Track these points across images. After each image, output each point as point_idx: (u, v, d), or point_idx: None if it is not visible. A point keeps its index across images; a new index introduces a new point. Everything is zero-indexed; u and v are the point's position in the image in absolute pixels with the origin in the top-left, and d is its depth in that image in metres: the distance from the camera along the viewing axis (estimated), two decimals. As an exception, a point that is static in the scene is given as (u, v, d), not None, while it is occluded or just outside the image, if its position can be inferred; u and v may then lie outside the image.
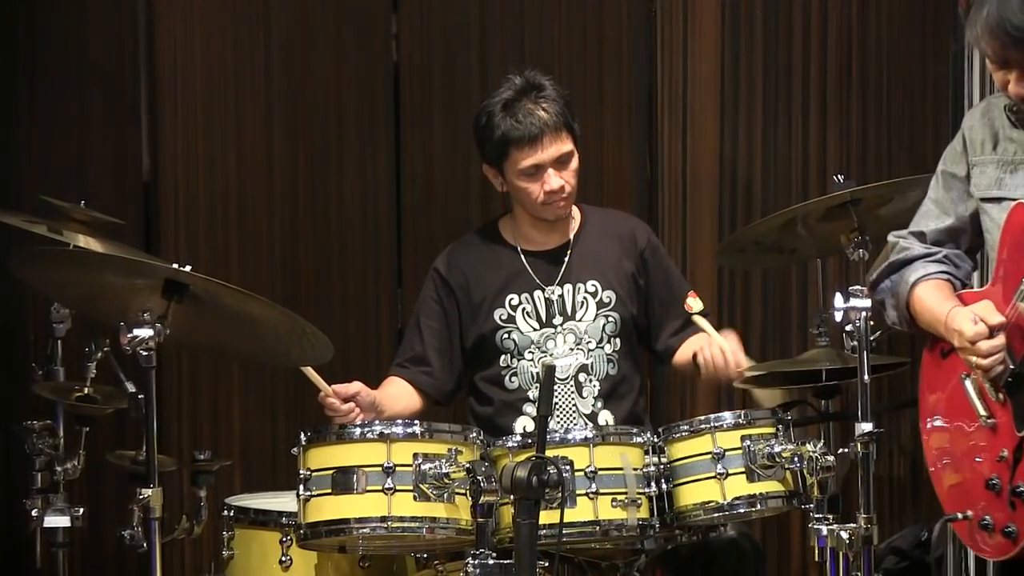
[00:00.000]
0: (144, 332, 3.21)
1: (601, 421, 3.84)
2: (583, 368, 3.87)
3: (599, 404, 3.87)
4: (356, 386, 3.70)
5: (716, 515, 3.41)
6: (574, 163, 3.87)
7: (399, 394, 3.90)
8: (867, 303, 3.31)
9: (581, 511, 3.34)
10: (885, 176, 4.49)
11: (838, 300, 3.34)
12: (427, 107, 5.00)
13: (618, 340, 3.89)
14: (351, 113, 5.00)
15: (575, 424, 3.81)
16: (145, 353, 3.21)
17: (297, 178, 5.00)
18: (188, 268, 3.32)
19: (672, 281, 4.01)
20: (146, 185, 4.98)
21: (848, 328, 3.33)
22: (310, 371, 3.62)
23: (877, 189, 3.77)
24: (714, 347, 3.70)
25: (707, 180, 4.94)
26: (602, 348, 3.88)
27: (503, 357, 3.89)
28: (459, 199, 4.97)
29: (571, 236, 3.97)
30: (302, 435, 3.41)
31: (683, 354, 3.89)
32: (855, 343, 3.32)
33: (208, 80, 4.97)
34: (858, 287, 3.34)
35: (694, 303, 3.83)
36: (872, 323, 3.33)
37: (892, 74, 4.97)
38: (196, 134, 4.96)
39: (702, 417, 3.45)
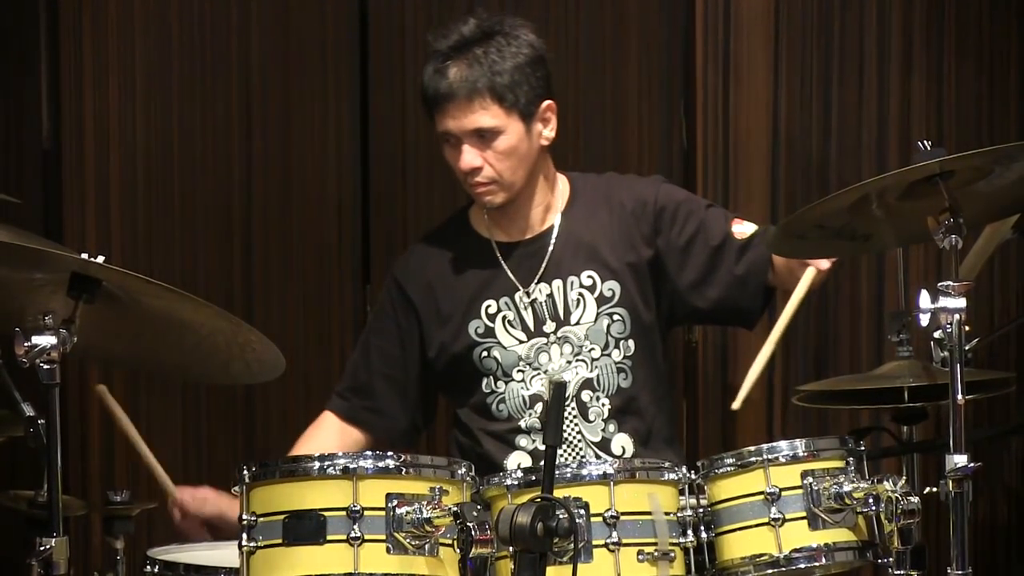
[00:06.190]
0: (45, 340, 3.21)
1: (616, 449, 3.87)
2: (586, 384, 3.89)
3: (611, 427, 3.89)
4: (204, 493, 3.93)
5: (770, 571, 3.42)
6: (503, 143, 3.84)
7: (322, 447, 3.90)
8: (961, 303, 3.31)
9: (599, 567, 3.34)
10: (984, 143, 4.48)
11: (924, 299, 3.34)
12: (401, 60, 5.00)
13: (630, 343, 3.91)
14: (307, 65, 5.00)
15: (587, 456, 3.84)
16: (47, 367, 3.21)
17: (238, 147, 4.99)
18: (101, 259, 3.31)
19: (714, 222, 3.96)
20: (46, 153, 4.98)
21: (937, 335, 3.33)
22: (103, 390, 3.62)
23: (973, 158, 3.76)
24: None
25: (757, 147, 4.93)
26: (608, 355, 3.90)
27: (485, 380, 3.91)
28: (442, 177, 4.96)
29: (556, 218, 3.97)
30: (244, 470, 3.41)
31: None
32: (946, 354, 3.32)
33: (124, 17, 4.97)
34: (949, 283, 3.33)
35: (742, 228, 3.87)
36: (968, 328, 3.32)
37: (999, 10, 4.97)
38: (109, 88, 4.96)
39: (752, 447, 3.46)
